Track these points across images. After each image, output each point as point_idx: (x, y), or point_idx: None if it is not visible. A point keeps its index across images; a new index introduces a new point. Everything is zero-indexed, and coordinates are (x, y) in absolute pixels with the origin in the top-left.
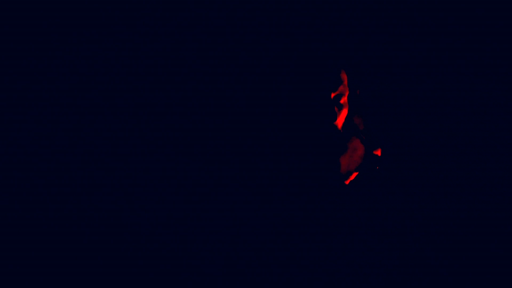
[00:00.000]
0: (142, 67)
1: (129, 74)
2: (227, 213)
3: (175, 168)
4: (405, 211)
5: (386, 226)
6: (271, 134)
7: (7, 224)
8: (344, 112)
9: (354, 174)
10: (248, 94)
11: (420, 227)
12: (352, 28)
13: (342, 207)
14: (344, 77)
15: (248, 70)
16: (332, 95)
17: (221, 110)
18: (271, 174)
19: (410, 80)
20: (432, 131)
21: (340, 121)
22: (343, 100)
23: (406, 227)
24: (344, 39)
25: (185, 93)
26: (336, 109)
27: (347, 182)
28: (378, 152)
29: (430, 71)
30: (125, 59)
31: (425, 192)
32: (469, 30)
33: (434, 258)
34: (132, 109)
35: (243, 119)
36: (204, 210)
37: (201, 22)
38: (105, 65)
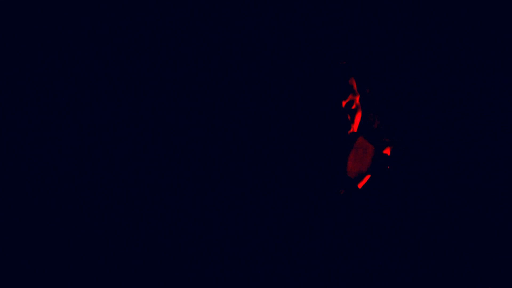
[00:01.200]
0: (147, 67)
1: (127, 75)
2: (243, 217)
3: (184, 169)
4: (421, 213)
5: (403, 229)
6: (286, 145)
7: (7, 224)
8: (358, 116)
9: (367, 177)
10: (260, 110)
11: (437, 229)
12: (353, 27)
13: (357, 211)
14: (353, 82)
15: (254, 92)
16: (343, 103)
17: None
18: (287, 182)
19: (420, 74)
20: (451, 129)
21: (355, 125)
22: (355, 105)
23: (423, 230)
24: (345, 40)
25: (201, 103)
26: (349, 116)
27: (360, 185)
28: (388, 151)
29: (440, 67)
30: (123, 59)
31: (442, 193)
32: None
33: (455, 261)
34: (132, 109)
35: (258, 134)
36: (225, 211)
37: (212, 31)
38: (105, 65)
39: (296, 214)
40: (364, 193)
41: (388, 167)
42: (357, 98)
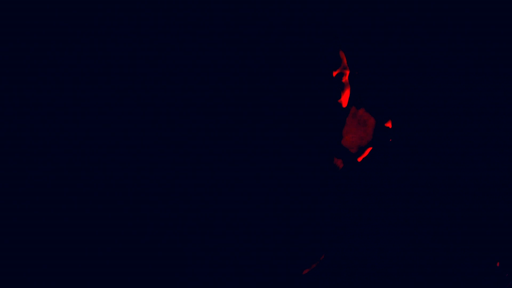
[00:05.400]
0: (140, 67)
1: (125, 74)
2: (242, 196)
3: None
4: (423, 188)
5: (403, 205)
6: (278, 118)
7: (7, 224)
8: (347, 92)
9: (368, 150)
10: (253, 78)
11: (439, 205)
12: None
13: (356, 185)
14: (343, 56)
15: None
16: (334, 73)
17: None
18: (283, 159)
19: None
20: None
21: (344, 100)
22: (345, 79)
23: (424, 205)
24: (339, 17)
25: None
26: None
27: (359, 159)
28: (389, 124)
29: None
30: (120, 59)
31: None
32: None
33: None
34: (130, 109)
35: (248, 107)
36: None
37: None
38: (103, 65)
39: (294, 190)
40: (364, 167)
41: (390, 139)
42: (347, 73)
